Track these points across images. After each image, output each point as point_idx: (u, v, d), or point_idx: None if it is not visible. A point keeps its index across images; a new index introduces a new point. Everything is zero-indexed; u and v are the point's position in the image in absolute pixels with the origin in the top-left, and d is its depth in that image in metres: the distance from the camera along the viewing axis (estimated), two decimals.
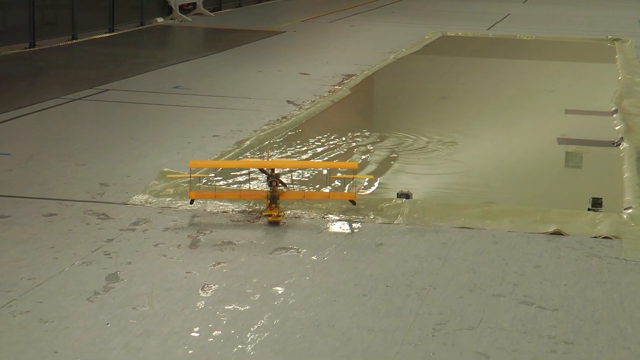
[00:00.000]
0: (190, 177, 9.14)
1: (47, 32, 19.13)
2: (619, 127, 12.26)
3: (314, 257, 7.35)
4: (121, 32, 21.62)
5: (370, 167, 10.28)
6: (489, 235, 7.99)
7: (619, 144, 11.34)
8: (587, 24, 25.72)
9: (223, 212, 8.46)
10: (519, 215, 8.46)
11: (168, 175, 9.40)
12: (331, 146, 11.12)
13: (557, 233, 8.02)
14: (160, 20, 23.57)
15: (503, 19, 27.00)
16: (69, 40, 19.50)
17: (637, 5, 32.42)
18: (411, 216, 8.36)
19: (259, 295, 6.61)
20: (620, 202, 8.89)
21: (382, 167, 10.32)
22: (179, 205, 8.61)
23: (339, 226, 8.15)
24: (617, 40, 21.81)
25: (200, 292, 6.72)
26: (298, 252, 7.47)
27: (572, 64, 19.09)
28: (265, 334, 5.97)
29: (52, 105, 13.08)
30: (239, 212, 8.42)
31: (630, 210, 8.57)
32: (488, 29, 24.41)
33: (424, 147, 11.26)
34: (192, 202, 8.50)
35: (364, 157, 10.76)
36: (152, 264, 7.18)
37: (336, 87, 14.66)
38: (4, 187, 9.13)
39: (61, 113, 12.60)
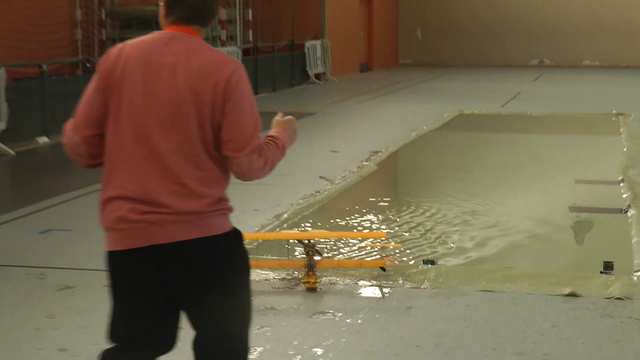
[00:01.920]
0: None
1: (58, 128, 19.15)
2: (626, 195, 12.27)
3: (348, 320, 7.40)
4: None
5: (398, 236, 10.29)
6: (509, 298, 8.01)
7: (627, 211, 11.36)
8: (593, 100, 25.75)
9: (265, 279, 8.51)
10: (537, 278, 8.50)
11: None
12: (362, 217, 11.16)
13: (573, 294, 8.02)
14: None
15: (515, 97, 27.03)
16: None
17: (637, 81, 32.44)
18: (436, 281, 8.39)
19: (300, 357, 6.68)
20: (630, 265, 8.91)
21: (409, 236, 10.34)
22: None
23: (371, 291, 8.20)
24: (621, 114, 21.80)
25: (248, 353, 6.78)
26: (334, 315, 7.52)
27: (580, 137, 19.16)
28: None
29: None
30: (279, 279, 8.47)
31: (639, 273, 8.56)
32: (502, 107, 24.46)
33: (441, 212, 11.33)
34: None
35: (393, 225, 10.81)
36: None
37: (364, 162, 14.72)
38: (68, 260, 9.22)
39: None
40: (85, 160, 4.36)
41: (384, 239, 9.87)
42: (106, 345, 6.29)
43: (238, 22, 30.10)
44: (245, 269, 4.55)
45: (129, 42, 4.30)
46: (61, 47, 26.72)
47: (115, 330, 4.44)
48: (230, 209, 4.36)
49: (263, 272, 8.66)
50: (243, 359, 4.54)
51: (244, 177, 4.28)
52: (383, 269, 8.66)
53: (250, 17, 30.66)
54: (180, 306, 4.35)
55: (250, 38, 30.31)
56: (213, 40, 28.79)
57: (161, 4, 4.31)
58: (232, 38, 29.46)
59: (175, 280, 4.23)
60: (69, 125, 4.31)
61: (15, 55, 22.63)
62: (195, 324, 4.33)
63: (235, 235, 4.41)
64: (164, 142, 4.08)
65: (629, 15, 40.79)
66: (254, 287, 8.31)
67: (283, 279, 8.43)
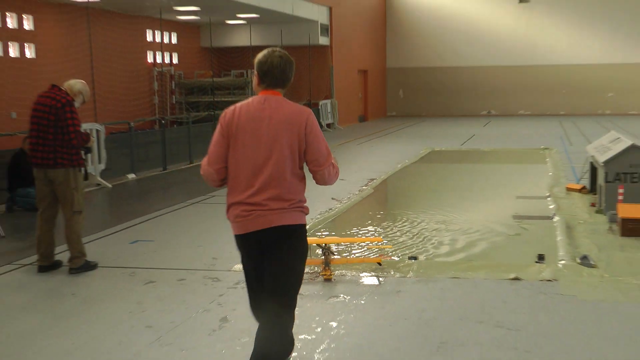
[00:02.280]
0: None
1: (175, 159, 19.27)
2: (552, 206, 12.31)
3: (355, 302, 7.46)
4: None
5: (390, 239, 10.27)
6: (471, 282, 8.05)
7: (553, 218, 11.33)
8: (526, 139, 25.76)
9: None
10: (490, 267, 8.55)
11: None
12: (364, 227, 11.15)
13: (516, 279, 8.09)
14: None
15: (471, 137, 27.06)
16: (188, 163, 19.65)
17: (559, 124, 32.41)
18: (418, 271, 8.46)
19: (320, 328, 6.69)
20: (556, 257, 8.90)
21: (398, 239, 10.32)
22: None
23: (370, 280, 8.22)
24: (546, 149, 21.91)
25: None
26: (344, 298, 7.56)
27: (518, 166, 19.21)
28: (326, 354, 6.00)
29: (181, 206, 13.19)
30: (304, 273, 8.42)
31: (563, 262, 8.60)
32: (461, 145, 24.47)
33: (420, 223, 11.33)
34: None
35: (386, 231, 10.80)
36: (249, 310, 7.17)
37: (364, 187, 14.73)
38: (152, 262, 9.24)
39: (187, 212, 12.71)
40: (216, 183, 5.25)
41: (379, 242, 9.91)
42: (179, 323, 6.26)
43: None
44: (303, 250, 5.33)
45: (238, 104, 5.21)
46: (143, 109, 26.84)
47: (248, 282, 5.53)
48: (306, 209, 5.25)
49: None
50: (294, 290, 5.37)
51: (325, 183, 5.33)
52: (379, 264, 8.68)
53: None
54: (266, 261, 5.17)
55: None
56: None
57: (255, 76, 5.27)
58: None
59: (268, 249, 5.13)
60: (204, 161, 5.22)
61: (111, 117, 22.80)
62: (271, 270, 5.17)
63: (303, 227, 5.23)
64: (271, 163, 5.00)
65: (549, 78, 40.75)
66: None
67: (307, 273, 8.40)
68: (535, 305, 7.22)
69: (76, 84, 8.99)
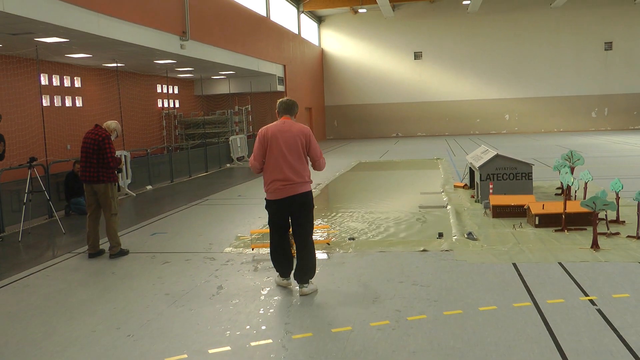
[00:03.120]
0: (250, 238, 9.11)
1: (179, 174, 19.12)
2: (445, 199, 12.37)
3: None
4: (211, 171, 21.61)
5: (334, 225, 10.25)
6: (392, 254, 8.06)
7: (446, 206, 11.40)
8: (425, 152, 25.98)
9: (268, 253, 8.41)
10: (406, 243, 8.56)
11: (240, 237, 9.36)
12: (315, 217, 11.09)
13: (424, 250, 8.09)
14: (228, 165, 23.57)
15: (385, 152, 27.20)
16: (188, 177, 19.47)
17: (445, 142, 32.79)
18: (356, 248, 8.43)
19: (288, 291, 6.61)
20: (450, 234, 8.94)
21: (341, 225, 10.30)
22: (247, 252, 8.58)
23: (322, 256, 8.15)
24: (438, 158, 22.08)
25: (261, 291, 6.70)
26: None
27: (420, 171, 19.23)
28: (296, 308, 5.96)
29: (185, 207, 13.05)
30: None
31: (455, 237, 8.66)
32: (380, 157, 24.55)
33: (355, 214, 11.29)
34: (252, 249, 8.47)
35: (331, 221, 10.77)
36: (237, 280, 7.19)
37: (313, 189, 14.66)
38: (166, 248, 9.12)
39: (189, 212, 12.57)
40: (257, 170, 6.59)
41: (327, 229, 9.86)
42: (189, 290, 6.14)
43: (244, 122, 30.11)
44: (312, 206, 6.63)
45: (268, 125, 6.61)
46: (156, 140, 26.61)
47: (273, 227, 6.69)
48: (311, 182, 6.61)
49: (266, 250, 8.59)
50: (311, 239, 6.64)
51: (319, 169, 6.73)
52: (328, 244, 8.63)
53: (250, 119, 30.67)
54: (292, 219, 6.57)
55: (251, 129, 30.26)
56: (232, 131, 28.76)
57: (276, 112, 6.76)
58: (241, 130, 29.41)
59: (293, 208, 6.48)
60: (252, 158, 6.58)
61: (135, 145, 22.60)
62: (294, 225, 6.57)
63: (311, 193, 6.59)
64: (290, 158, 6.42)
65: (437, 109, 41.27)
66: (262, 257, 8.21)
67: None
68: (439, 268, 7.26)
69: (112, 124, 9.12)
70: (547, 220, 9.13)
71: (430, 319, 5.51)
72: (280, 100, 6.78)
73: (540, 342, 4.90)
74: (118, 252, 8.69)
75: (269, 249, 8.42)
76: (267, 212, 6.72)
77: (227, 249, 8.75)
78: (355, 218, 10.97)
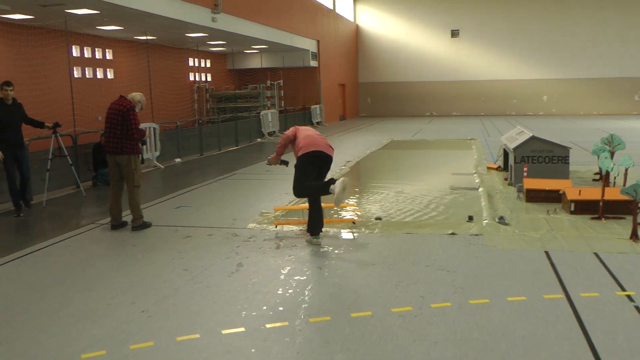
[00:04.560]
0: (274, 214, 8.95)
1: (208, 148, 19.06)
2: (477, 180, 12.05)
3: (336, 251, 7.21)
4: (241, 146, 21.49)
5: (363, 204, 10.03)
6: (420, 236, 7.79)
7: (478, 189, 11.09)
8: (458, 132, 25.54)
9: (291, 230, 8.23)
10: (434, 225, 8.28)
11: (265, 214, 9.19)
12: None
13: (453, 234, 7.82)
14: (259, 139, 23.41)
15: (419, 131, 26.82)
16: (218, 151, 19.38)
17: (480, 122, 32.26)
18: (382, 229, 8.17)
19: (310, 271, 6.44)
20: (481, 217, 8.63)
21: (369, 204, 10.08)
22: (270, 228, 8.40)
23: (347, 235, 7.93)
24: (472, 139, 21.66)
25: (281, 270, 6.53)
26: (328, 249, 7.29)
27: (453, 151, 18.84)
28: (314, 290, 5.79)
29: (212, 181, 12.93)
30: (299, 230, 8.20)
31: (486, 221, 8.33)
32: (412, 136, 24.19)
33: (384, 193, 11.05)
34: (276, 226, 8.33)
35: (360, 199, 10.56)
36: (258, 258, 7.00)
37: (342, 167, 14.50)
38: (189, 222, 8.99)
39: (216, 186, 12.45)
40: (285, 145, 7.77)
41: (352, 207, 9.67)
42: (208, 266, 5.95)
43: (276, 97, 29.93)
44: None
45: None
46: (187, 113, 26.60)
47: (306, 179, 7.44)
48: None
49: (290, 227, 8.42)
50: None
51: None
52: (353, 222, 8.42)
53: (282, 94, 30.49)
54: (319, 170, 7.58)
55: (282, 105, 30.08)
56: (263, 106, 28.60)
57: None
58: (273, 105, 29.25)
59: (322, 162, 7.54)
60: (287, 132, 7.76)
61: (165, 118, 22.62)
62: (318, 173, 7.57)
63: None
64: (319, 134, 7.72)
65: (472, 89, 40.61)
66: (285, 234, 8.04)
67: (301, 230, 8.19)
68: (467, 253, 6.98)
69: (136, 95, 8.99)
70: (584, 207, 8.77)
71: (455, 308, 5.27)
72: None
73: (571, 339, 4.62)
74: (140, 225, 8.60)
75: (292, 227, 8.32)
76: (299, 166, 7.50)
77: (251, 225, 8.59)
78: (383, 197, 10.72)
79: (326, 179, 7.52)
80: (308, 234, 7.65)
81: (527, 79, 39.98)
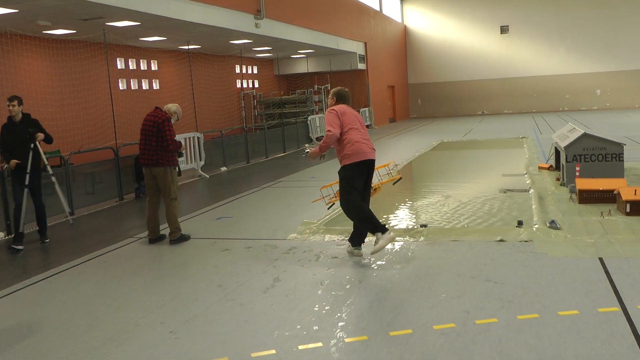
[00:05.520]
0: (316, 223, 8.60)
1: (255, 155, 18.92)
2: (528, 181, 11.49)
3: (379, 262, 6.83)
4: (288, 152, 21.29)
5: (407, 209, 9.62)
6: (466, 244, 7.33)
7: (529, 190, 10.53)
8: (509, 130, 24.84)
9: (333, 241, 7.88)
10: (481, 232, 7.79)
11: (306, 223, 8.87)
12: (392, 199, 10.50)
13: (502, 240, 7.33)
14: (307, 145, 23.13)
15: (470, 131, 26.19)
16: (265, 158, 19.20)
17: (532, 119, 31.39)
18: (427, 236, 7.73)
19: (349, 285, 6.08)
20: (531, 222, 8.09)
21: (416, 209, 9.67)
22: (311, 239, 8.05)
23: (390, 245, 7.50)
24: (523, 137, 20.99)
25: (319, 285, 6.18)
26: (371, 260, 6.91)
27: (503, 150, 18.32)
28: (352, 307, 5.43)
29: (256, 190, 12.70)
30: (341, 240, 7.84)
31: (536, 226, 7.79)
32: (463, 136, 23.61)
33: (432, 197, 10.62)
34: (329, 207, 8.64)
35: (410, 202, 10.16)
36: (296, 271, 6.67)
37: (390, 171, 14.03)
38: (229, 234, 8.74)
39: (259, 195, 12.23)
40: (335, 139, 6.85)
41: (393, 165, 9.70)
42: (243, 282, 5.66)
43: (324, 102, 29.65)
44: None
45: (335, 107, 7.04)
46: (234, 120, 26.58)
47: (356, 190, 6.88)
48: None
49: (332, 237, 8.08)
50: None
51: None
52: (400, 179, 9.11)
53: None
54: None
55: None
56: (311, 111, 28.37)
57: (332, 99, 7.23)
58: (321, 109, 29.00)
59: (369, 168, 6.98)
60: (333, 131, 6.79)
61: (208, 126, 22.62)
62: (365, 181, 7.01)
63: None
64: (364, 131, 7.05)
65: (524, 85, 39.62)
66: (326, 245, 7.66)
67: (343, 240, 7.83)
68: (516, 262, 6.48)
69: (172, 107, 8.79)
70: None
71: (502, 324, 4.83)
72: (338, 90, 7.33)
73: (629, 359, 4.16)
74: (178, 238, 8.39)
75: (333, 237, 7.95)
76: (347, 176, 6.93)
77: (292, 235, 8.28)
78: (431, 202, 10.29)
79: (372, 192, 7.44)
80: (349, 243, 7.23)
81: (579, 73, 38.75)
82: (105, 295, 6.26)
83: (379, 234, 6.67)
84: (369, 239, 7.41)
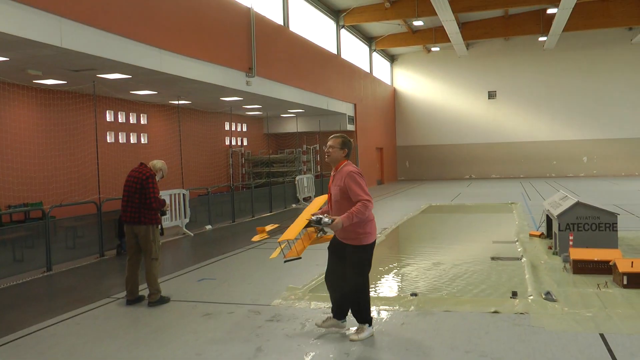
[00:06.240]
0: (301, 289, 8.23)
1: (241, 214, 18.59)
2: (519, 249, 11.20)
3: (370, 336, 6.35)
4: (275, 212, 20.94)
5: (396, 276, 9.28)
6: (459, 315, 6.97)
7: (521, 259, 10.25)
8: (497, 196, 24.67)
9: (319, 308, 7.51)
10: (474, 302, 7.42)
11: (291, 288, 8.50)
12: (377, 266, 10.13)
13: (496, 312, 6.98)
14: (294, 205, 22.85)
15: (457, 195, 25.99)
16: (251, 217, 18.84)
17: (520, 185, 31.35)
18: (418, 306, 7.36)
19: (332, 356, 5.66)
20: (526, 292, 7.77)
21: (405, 276, 9.34)
22: (296, 305, 7.66)
23: (381, 313, 7.16)
24: (513, 203, 20.78)
25: (304, 357, 5.79)
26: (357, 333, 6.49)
27: (493, 215, 18.08)
28: None
29: (240, 251, 12.31)
30: (327, 307, 7.46)
31: (531, 297, 7.46)
32: (451, 200, 23.38)
33: (421, 263, 10.30)
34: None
35: (395, 270, 9.82)
36: (279, 341, 6.28)
37: (378, 235, 13.71)
38: (211, 297, 8.32)
39: (244, 256, 11.82)
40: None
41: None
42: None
43: (312, 162, 29.53)
44: None
45: (357, 168, 6.07)
46: (221, 178, 26.33)
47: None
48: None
49: (317, 306, 7.70)
50: None
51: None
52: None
53: (318, 159, 30.10)
54: None
55: (319, 169, 29.65)
56: (299, 171, 28.21)
57: (344, 151, 6.11)
58: (309, 169, 28.85)
59: None
60: (371, 200, 5.86)
61: (195, 183, 22.39)
62: None
63: None
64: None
65: (511, 151, 39.80)
66: (312, 313, 7.27)
67: (328, 307, 7.47)
68: (512, 336, 6.15)
69: (157, 163, 8.51)
70: (638, 281, 7.90)
71: None
72: (351, 141, 6.30)
73: None
74: (157, 300, 8.00)
75: (320, 304, 7.56)
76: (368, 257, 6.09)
77: (276, 301, 7.88)
78: (420, 269, 9.97)
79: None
80: (331, 317, 6.59)
81: (566, 140, 39.03)
82: None
83: (367, 325, 6.25)
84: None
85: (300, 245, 6.47)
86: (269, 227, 7.28)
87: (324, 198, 6.91)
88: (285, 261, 6.57)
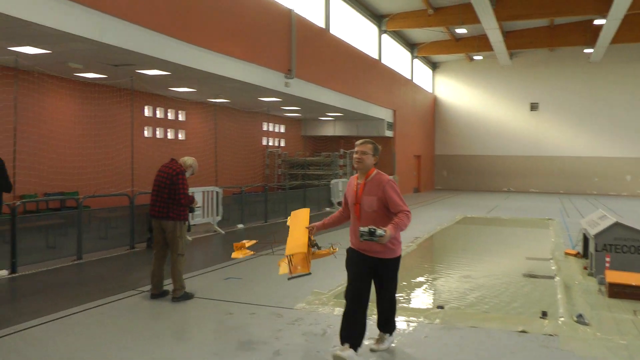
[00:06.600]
0: (326, 294, 8.12)
1: (274, 215, 18.53)
2: (553, 267, 10.90)
3: (392, 345, 6.19)
4: (310, 214, 20.78)
5: (428, 286, 9.10)
6: (485, 332, 6.75)
7: (554, 277, 9.97)
8: (535, 210, 24.18)
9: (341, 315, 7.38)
10: (502, 320, 7.20)
11: (316, 293, 8.39)
12: (407, 276, 9.95)
13: (523, 331, 6.74)
14: (327, 209, 22.71)
15: (494, 208, 25.57)
16: (284, 218, 18.62)
17: (559, 200, 30.75)
18: (443, 319, 7.18)
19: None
20: (557, 313, 7.52)
21: (433, 288, 9.15)
22: (319, 311, 7.55)
23: (404, 324, 6.99)
24: (550, 219, 20.33)
25: None
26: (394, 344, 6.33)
27: (528, 230, 17.68)
28: None
29: (270, 252, 12.22)
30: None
31: (562, 319, 7.20)
32: (487, 213, 23.00)
33: (451, 276, 10.10)
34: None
35: (427, 280, 9.64)
36: (299, 345, 6.18)
37: (410, 243, 13.53)
38: (234, 296, 8.27)
39: (273, 257, 11.71)
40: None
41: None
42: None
43: (348, 166, 29.38)
44: None
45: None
46: (257, 177, 26.37)
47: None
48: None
49: (342, 309, 7.58)
50: None
51: None
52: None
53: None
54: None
55: (355, 173, 29.47)
56: (335, 175, 28.11)
57: (375, 157, 5.92)
58: (345, 174, 28.73)
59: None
60: (409, 209, 5.53)
61: (229, 182, 22.43)
62: None
63: None
64: None
65: (552, 165, 39.09)
66: (335, 319, 7.14)
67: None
68: (539, 358, 5.91)
69: (188, 160, 8.51)
70: None
71: None
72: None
73: None
74: (181, 296, 7.99)
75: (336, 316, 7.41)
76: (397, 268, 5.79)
77: (299, 305, 7.78)
78: (449, 280, 9.78)
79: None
80: (378, 335, 6.23)
81: (609, 157, 38.15)
82: (93, 351, 5.84)
83: (387, 335, 6.10)
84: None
85: (304, 261, 5.99)
86: (248, 243, 7.16)
87: (306, 212, 6.62)
88: (289, 278, 6.10)
